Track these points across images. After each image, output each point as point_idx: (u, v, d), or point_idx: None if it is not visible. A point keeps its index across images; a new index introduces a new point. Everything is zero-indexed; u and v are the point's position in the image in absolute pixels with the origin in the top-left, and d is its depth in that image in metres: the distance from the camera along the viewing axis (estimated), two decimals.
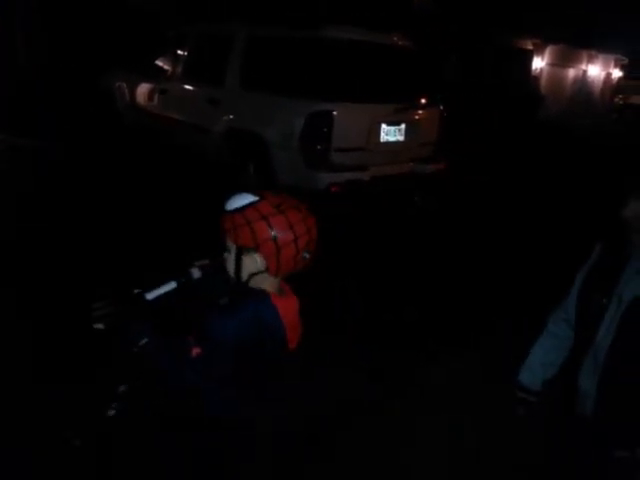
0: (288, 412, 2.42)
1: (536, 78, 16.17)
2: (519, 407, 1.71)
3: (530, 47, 15.63)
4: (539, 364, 1.69)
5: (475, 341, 3.17)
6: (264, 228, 1.25)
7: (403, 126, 4.94)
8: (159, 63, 6.03)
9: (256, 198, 1.28)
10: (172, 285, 1.38)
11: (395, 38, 5.23)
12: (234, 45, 5.14)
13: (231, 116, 5.08)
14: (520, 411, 1.71)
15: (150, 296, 1.34)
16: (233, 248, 1.31)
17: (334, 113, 4.43)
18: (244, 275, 1.32)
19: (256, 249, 1.27)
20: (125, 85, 6.44)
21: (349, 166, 4.58)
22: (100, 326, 1.27)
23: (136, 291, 1.33)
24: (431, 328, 3.31)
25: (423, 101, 5.32)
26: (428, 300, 3.66)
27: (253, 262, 1.30)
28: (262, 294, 1.31)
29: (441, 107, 5.51)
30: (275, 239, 1.26)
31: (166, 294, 1.37)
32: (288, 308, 1.34)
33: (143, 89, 6.19)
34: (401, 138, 4.96)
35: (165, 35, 6.21)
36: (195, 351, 1.26)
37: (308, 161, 4.48)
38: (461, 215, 5.48)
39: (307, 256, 1.32)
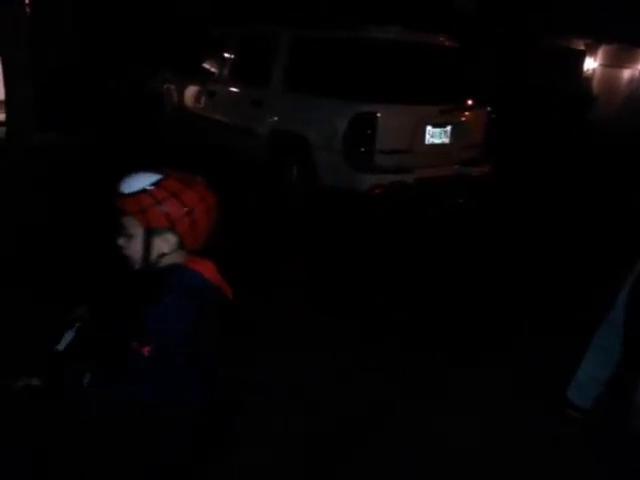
0: (320, 413, 2.43)
1: (588, 79, 15.58)
2: (569, 425, 1.64)
3: (582, 47, 15.08)
4: (589, 381, 1.61)
5: (505, 342, 3.10)
6: (177, 205, 1.20)
7: (449, 128, 4.84)
8: (206, 65, 6.15)
9: (159, 176, 1.22)
10: (70, 335, 1.35)
11: (441, 38, 5.14)
12: (278, 46, 5.17)
13: (275, 117, 5.11)
14: (570, 429, 1.65)
15: (61, 347, 1.31)
16: (139, 231, 1.23)
17: (378, 115, 4.38)
18: (153, 257, 1.25)
19: (171, 228, 1.22)
20: (173, 87, 6.60)
21: (392, 168, 4.53)
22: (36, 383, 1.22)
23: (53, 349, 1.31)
24: (463, 330, 3.25)
25: (470, 102, 5.20)
26: (461, 303, 3.58)
27: (165, 242, 1.24)
28: (178, 266, 1.27)
29: (488, 108, 5.38)
30: (190, 214, 1.22)
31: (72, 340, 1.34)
32: (208, 269, 1.30)
33: (190, 91, 6.32)
34: (447, 140, 4.86)
35: (211, 37, 6.33)
36: (146, 350, 1.18)
37: (351, 163, 4.45)
38: (504, 219, 5.32)
39: (213, 225, 1.31)
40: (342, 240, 4.47)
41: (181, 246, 1.25)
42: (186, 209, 1.21)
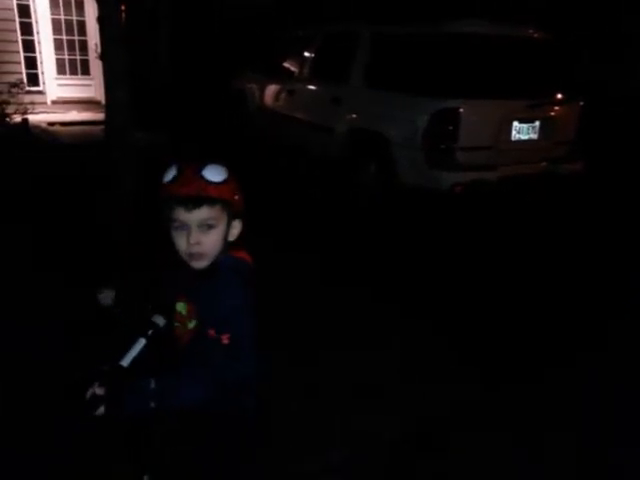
0: (401, 413, 2.40)
1: None
2: None
3: None
4: None
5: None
6: (241, 197, 1.26)
7: (537, 123, 4.59)
8: (286, 65, 6.27)
9: (222, 167, 1.23)
10: (142, 343, 1.21)
11: (529, 30, 4.88)
12: (358, 43, 5.16)
13: (353, 115, 5.11)
14: None
15: (125, 362, 1.17)
16: (223, 221, 1.23)
17: (460, 110, 4.25)
18: (226, 245, 1.26)
19: (242, 215, 1.28)
20: (255, 87, 6.79)
21: (475, 166, 4.36)
22: (100, 412, 1.11)
23: (106, 368, 1.15)
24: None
25: (560, 96, 4.91)
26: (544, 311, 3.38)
27: (235, 230, 1.28)
28: (231, 256, 1.28)
29: (581, 103, 5.04)
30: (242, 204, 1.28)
31: (140, 353, 1.20)
32: (246, 256, 1.33)
33: (271, 90, 6.47)
34: (535, 136, 4.61)
35: (291, 37, 6.44)
36: (226, 337, 1.16)
37: (432, 160, 4.34)
38: (594, 220, 4.95)
39: None
40: (420, 239, 4.40)
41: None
42: (242, 201, 1.27)
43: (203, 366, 1.17)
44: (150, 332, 1.23)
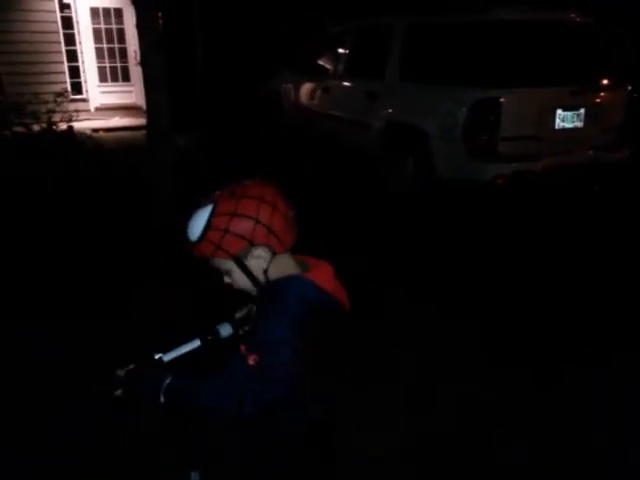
0: (438, 412, 2.36)
1: None
2: None
3: None
4: None
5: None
6: (242, 222, 1.12)
7: (582, 111, 4.42)
8: (321, 62, 6.27)
9: (211, 204, 1.13)
10: (195, 344, 1.24)
11: (572, 15, 4.70)
12: (392, 36, 5.10)
13: (390, 109, 5.06)
14: None
15: (167, 357, 1.21)
16: (231, 264, 1.16)
17: (501, 100, 4.14)
18: (261, 276, 1.17)
19: (252, 245, 1.14)
20: (291, 86, 6.83)
21: (518, 156, 4.25)
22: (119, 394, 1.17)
23: (157, 356, 1.20)
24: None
25: (606, 82, 4.71)
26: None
27: (258, 258, 1.15)
28: (294, 277, 1.18)
29: (629, 88, 4.83)
30: (258, 222, 1.12)
31: (188, 353, 1.23)
32: (323, 277, 1.20)
33: (306, 89, 6.49)
34: (580, 124, 4.44)
35: (326, 35, 6.43)
36: (252, 359, 1.10)
37: (472, 152, 4.25)
38: None
39: (292, 214, 1.17)
40: (460, 234, 4.32)
41: (273, 252, 1.17)
42: (252, 220, 1.12)
43: (224, 377, 1.14)
44: (209, 338, 1.25)
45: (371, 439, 2.17)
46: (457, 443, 2.21)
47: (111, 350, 2.41)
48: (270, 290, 1.17)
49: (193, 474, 1.22)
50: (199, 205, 1.14)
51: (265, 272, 1.17)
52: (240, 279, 1.18)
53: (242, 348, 1.16)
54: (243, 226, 1.12)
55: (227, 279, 1.20)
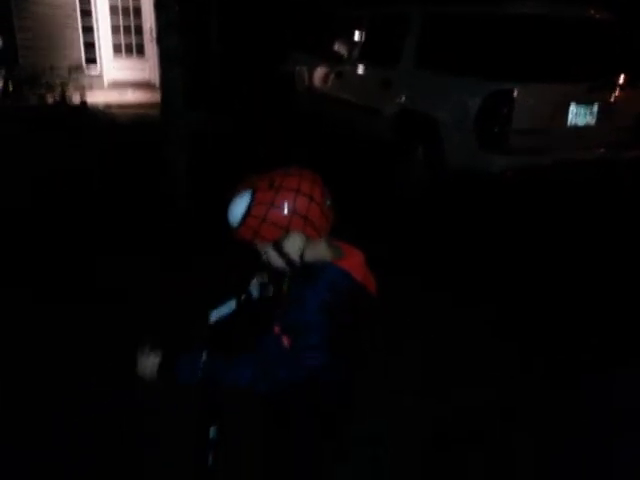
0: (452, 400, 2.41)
1: None
2: None
3: None
4: None
5: None
6: (279, 211, 1.17)
7: (596, 107, 4.41)
8: (335, 47, 6.24)
9: (250, 191, 1.19)
10: (232, 305, 1.35)
11: (589, 10, 4.65)
12: (409, 24, 5.07)
13: (403, 97, 5.05)
14: None
15: (213, 318, 1.32)
16: (268, 247, 1.23)
17: (515, 93, 4.12)
18: (296, 258, 1.24)
19: (288, 232, 1.20)
20: (304, 69, 6.82)
21: (529, 150, 4.25)
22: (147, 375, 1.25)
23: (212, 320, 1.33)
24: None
25: (623, 80, 4.68)
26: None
27: (294, 242, 1.21)
28: (325, 263, 1.24)
29: None
30: (295, 212, 1.17)
31: (226, 317, 1.34)
32: (354, 264, 1.26)
33: (319, 72, 6.48)
34: (593, 120, 4.42)
35: (341, 19, 6.40)
36: (285, 339, 1.20)
37: (483, 143, 4.25)
38: None
39: (329, 203, 1.23)
40: (468, 225, 4.34)
41: (309, 237, 1.23)
42: (289, 210, 1.17)
43: (257, 355, 1.22)
44: (243, 297, 1.35)
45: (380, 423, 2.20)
46: (464, 430, 2.25)
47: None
48: (303, 274, 1.24)
49: (212, 429, 1.30)
50: (237, 192, 1.20)
51: (300, 256, 1.24)
52: (276, 260, 1.25)
53: (276, 329, 1.25)
54: (280, 216, 1.17)
55: (264, 258, 1.27)
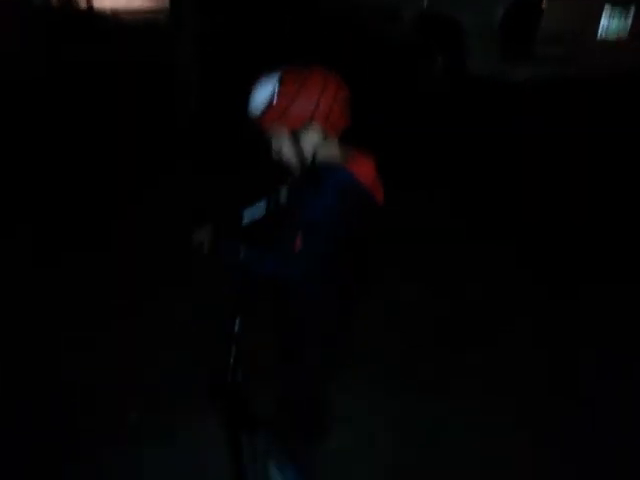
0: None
1: None
2: None
3: None
4: None
5: None
6: (306, 97, 1.18)
7: (632, 10, 4.13)
8: None
9: (278, 73, 1.19)
10: (262, 208, 1.47)
11: None
12: None
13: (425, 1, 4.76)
14: None
15: (246, 220, 1.46)
16: (286, 137, 1.23)
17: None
18: (308, 153, 1.25)
19: (311, 121, 1.20)
20: None
21: (553, 59, 4.06)
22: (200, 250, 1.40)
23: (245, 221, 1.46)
24: None
25: None
26: None
27: (312, 135, 1.23)
28: (335, 166, 1.25)
29: None
30: (319, 102, 1.18)
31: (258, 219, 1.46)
32: (363, 170, 1.26)
33: None
34: (626, 26, 4.17)
35: None
36: (298, 240, 1.23)
37: (506, 52, 4.07)
38: None
39: (347, 102, 1.25)
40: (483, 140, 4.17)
41: (325, 136, 1.24)
42: (316, 98, 1.18)
43: (282, 251, 1.28)
44: (272, 197, 1.44)
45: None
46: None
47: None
48: (312, 174, 1.26)
49: (238, 320, 1.39)
50: (262, 76, 1.20)
51: (315, 149, 1.25)
52: (289, 153, 1.26)
53: (291, 230, 1.28)
54: (308, 100, 1.18)
55: (275, 153, 1.28)
